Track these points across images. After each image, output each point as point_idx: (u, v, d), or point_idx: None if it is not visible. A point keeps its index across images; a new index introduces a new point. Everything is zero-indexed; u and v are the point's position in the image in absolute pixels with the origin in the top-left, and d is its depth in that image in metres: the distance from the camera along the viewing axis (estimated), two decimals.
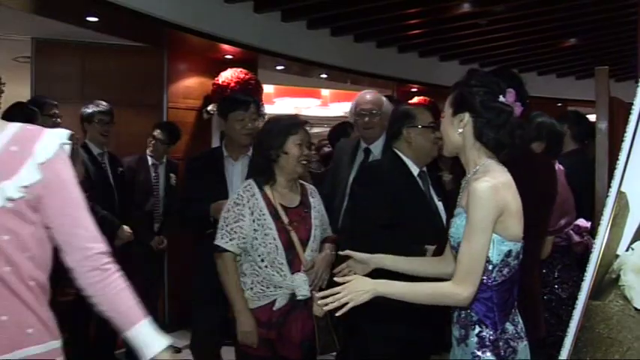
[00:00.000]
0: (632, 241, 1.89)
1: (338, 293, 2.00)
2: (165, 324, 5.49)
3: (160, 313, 5.09)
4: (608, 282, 1.88)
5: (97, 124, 4.66)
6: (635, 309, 1.82)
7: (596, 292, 1.89)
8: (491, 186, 1.94)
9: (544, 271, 3.32)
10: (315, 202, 3.05)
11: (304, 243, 2.90)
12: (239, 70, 6.85)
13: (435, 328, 2.88)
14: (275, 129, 2.92)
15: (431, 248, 2.71)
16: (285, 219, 2.87)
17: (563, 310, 3.19)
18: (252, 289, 2.88)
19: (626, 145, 1.97)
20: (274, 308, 2.85)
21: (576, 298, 1.98)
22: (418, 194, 3.09)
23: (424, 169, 3.15)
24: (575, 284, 3.19)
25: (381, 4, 6.63)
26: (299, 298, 2.85)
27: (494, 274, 2.01)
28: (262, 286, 2.86)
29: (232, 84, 6.69)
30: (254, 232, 2.82)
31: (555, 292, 3.32)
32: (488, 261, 1.99)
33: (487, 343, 2.00)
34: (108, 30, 6.02)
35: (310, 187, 3.09)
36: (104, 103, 4.80)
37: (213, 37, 6.23)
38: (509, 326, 2.04)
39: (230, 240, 2.82)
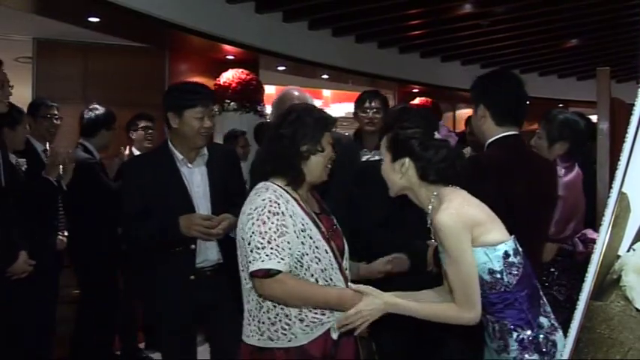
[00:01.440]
0: (634, 242, 1.88)
1: (353, 315, 2.08)
2: None
3: None
4: (609, 282, 1.87)
5: (114, 130, 4.65)
6: (637, 309, 1.82)
7: (598, 293, 1.88)
8: (450, 213, 1.98)
9: (543, 272, 3.30)
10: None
11: (342, 254, 2.39)
12: (240, 70, 6.86)
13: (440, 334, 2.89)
14: (309, 120, 2.33)
15: (434, 243, 2.70)
16: (323, 227, 2.35)
17: (558, 313, 3.17)
18: (302, 320, 2.25)
19: (627, 146, 1.96)
20: (334, 336, 2.27)
21: (574, 301, 1.97)
22: None
23: None
24: (573, 287, 3.17)
25: (382, 4, 6.64)
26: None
27: (506, 280, 2.02)
28: (316, 312, 2.26)
29: (234, 84, 6.71)
30: (302, 247, 2.24)
31: (552, 293, 3.30)
32: (493, 272, 2.01)
33: (527, 344, 2.01)
34: (109, 30, 6.04)
35: (316, 193, 2.56)
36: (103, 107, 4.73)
37: (215, 38, 6.25)
38: (543, 320, 2.06)
39: (282, 259, 2.17)
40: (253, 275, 2.18)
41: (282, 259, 2.16)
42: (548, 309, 2.11)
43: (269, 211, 2.19)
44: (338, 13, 6.99)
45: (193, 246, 2.99)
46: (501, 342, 2.06)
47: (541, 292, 2.11)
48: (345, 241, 2.43)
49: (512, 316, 2.03)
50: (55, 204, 4.22)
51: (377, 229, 2.94)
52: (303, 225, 2.25)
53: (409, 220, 2.99)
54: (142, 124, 5.18)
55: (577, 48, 8.99)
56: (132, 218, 3.00)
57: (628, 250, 1.87)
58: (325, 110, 2.57)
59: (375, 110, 3.98)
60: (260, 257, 2.15)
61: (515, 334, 2.02)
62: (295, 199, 2.29)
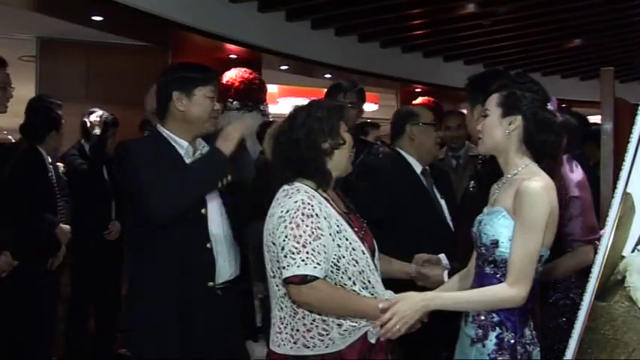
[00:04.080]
0: (638, 243, 1.89)
1: (389, 320, 1.98)
2: None
3: None
4: (613, 283, 1.88)
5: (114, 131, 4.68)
6: None
7: (602, 293, 1.88)
8: (543, 185, 1.95)
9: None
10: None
11: (373, 254, 2.26)
12: (243, 69, 6.85)
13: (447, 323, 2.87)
14: (321, 114, 2.19)
15: (419, 257, 2.63)
16: (355, 227, 2.23)
17: (576, 317, 3.15)
18: (340, 325, 2.11)
19: (631, 147, 1.96)
20: (372, 340, 2.15)
21: None
22: (421, 192, 3.10)
23: (427, 167, 3.16)
24: None
25: (385, 4, 6.63)
26: None
27: None
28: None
29: (236, 83, 6.70)
30: (338, 249, 2.11)
31: (570, 296, 3.29)
32: None
33: (506, 346, 2.00)
34: (113, 29, 6.04)
35: (339, 191, 2.40)
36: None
37: (218, 37, 6.25)
38: (527, 331, 2.05)
39: (318, 264, 2.04)
40: (288, 282, 2.05)
41: (318, 263, 2.04)
42: (533, 326, 2.10)
43: (302, 214, 2.07)
44: (341, 12, 6.98)
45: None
46: (480, 331, 2.04)
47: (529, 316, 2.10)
48: (374, 240, 2.30)
49: (503, 312, 2.02)
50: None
51: (373, 227, 2.87)
52: (338, 226, 2.13)
53: (412, 218, 3.00)
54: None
55: (580, 48, 8.96)
56: (153, 182, 2.35)
57: (632, 251, 1.87)
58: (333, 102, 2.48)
59: (350, 105, 3.64)
60: (295, 262, 2.03)
61: (498, 331, 2.01)
62: (326, 199, 2.17)
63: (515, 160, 2.06)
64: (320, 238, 2.05)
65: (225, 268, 2.55)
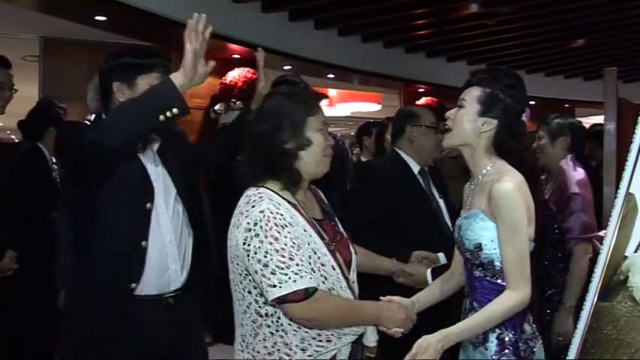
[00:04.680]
0: None
1: None
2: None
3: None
4: (616, 283, 1.87)
5: None
6: None
7: (605, 294, 1.88)
8: (515, 184, 1.95)
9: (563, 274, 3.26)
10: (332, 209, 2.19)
11: (349, 266, 2.05)
12: (246, 69, 6.85)
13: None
14: (287, 109, 1.96)
15: (417, 255, 2.62)
16: (326, 236, 2.00)
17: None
18: (304, 350, 1.89)
19: (634, 147, 1.96)
20: None
21: None
22: (419, 192, 3.10)
23: (425, 167, 3.17)
24: None
25: (388, 4, 6.64)
26: (370, 344, 2.02)
27: None
28: (320, 340, 1.91)
29: (240, 83, 6.70)
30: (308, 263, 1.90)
31: None
32: None
33: (508, 345, 2.00)
34: (116, 29, 6.05)
35: (319, 191, 2.19)
36: None
37: (221, 37, 6.25)
38: (526, 326, 2.05)
39: (312, 274, 1.85)
40: (286, 301, 1.81)
41: (311, 274, 1.84)
42: (532, 320, 2.10)
43: (276, 224, 1.84)
44: (344, 12, 6.99)
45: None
46: (481, 335, 2.03)
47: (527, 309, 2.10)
48: (352, 249, 2.10)
49: None
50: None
51: (365, 225, 2.87)
52: (307, 237, 1.91)
53: (411, 219, 3.00)
54: None
55: (583, 48, 8.95)
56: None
57: (635, 251, 1.87)
58: (309, 89, 2.21)
59: None
60: (289, 278, 1.80)
61: (497, 331, 2.01)
62: (294, 206, 1.94)
63: (482, 158, 2.06)
64: (301, 247, 1.86)
65: (177, 273, 2.30)
